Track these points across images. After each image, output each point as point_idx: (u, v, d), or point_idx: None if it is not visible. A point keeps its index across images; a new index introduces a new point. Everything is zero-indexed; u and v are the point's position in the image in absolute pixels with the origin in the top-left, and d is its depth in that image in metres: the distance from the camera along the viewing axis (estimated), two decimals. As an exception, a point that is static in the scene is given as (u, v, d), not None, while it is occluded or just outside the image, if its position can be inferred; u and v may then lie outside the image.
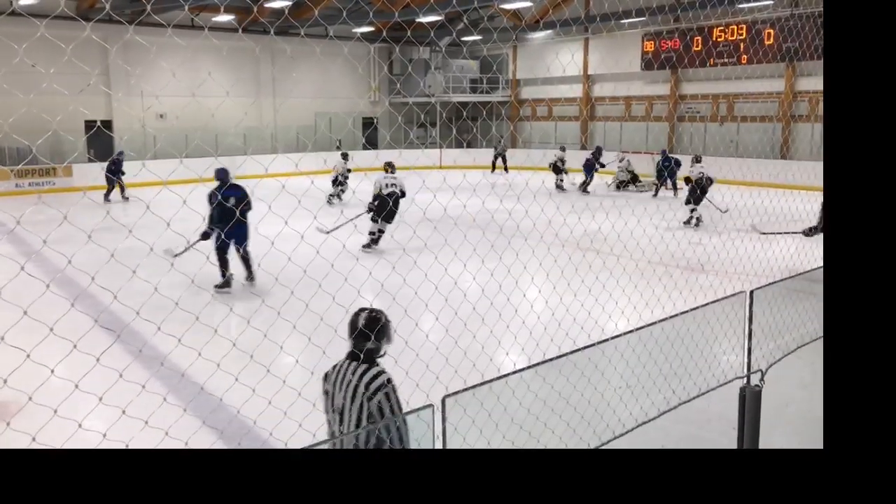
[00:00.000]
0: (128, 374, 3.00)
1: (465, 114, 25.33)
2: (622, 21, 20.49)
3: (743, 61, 20.04)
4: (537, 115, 26.39)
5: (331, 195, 15.50)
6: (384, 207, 10.06)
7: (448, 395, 3.12)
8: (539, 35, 24.81)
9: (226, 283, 8.26)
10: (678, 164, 16.69)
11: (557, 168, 18.61)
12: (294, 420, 3.32)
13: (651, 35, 22.02)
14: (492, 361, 4.94)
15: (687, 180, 13.45)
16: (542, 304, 6.72)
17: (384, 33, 24.17)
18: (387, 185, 10.68)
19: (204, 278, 7.67)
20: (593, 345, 3.05)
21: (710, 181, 13.18)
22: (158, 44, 19.59)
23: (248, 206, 8.19)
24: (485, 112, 26.06)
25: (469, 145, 25.40)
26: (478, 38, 25.69)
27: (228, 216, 7.75)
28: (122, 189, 16.01)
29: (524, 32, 24.50)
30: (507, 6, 21.77)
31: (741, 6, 18.77)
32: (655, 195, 17.52)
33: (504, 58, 26.76)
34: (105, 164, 15.73)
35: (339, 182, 15.72)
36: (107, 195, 15.88)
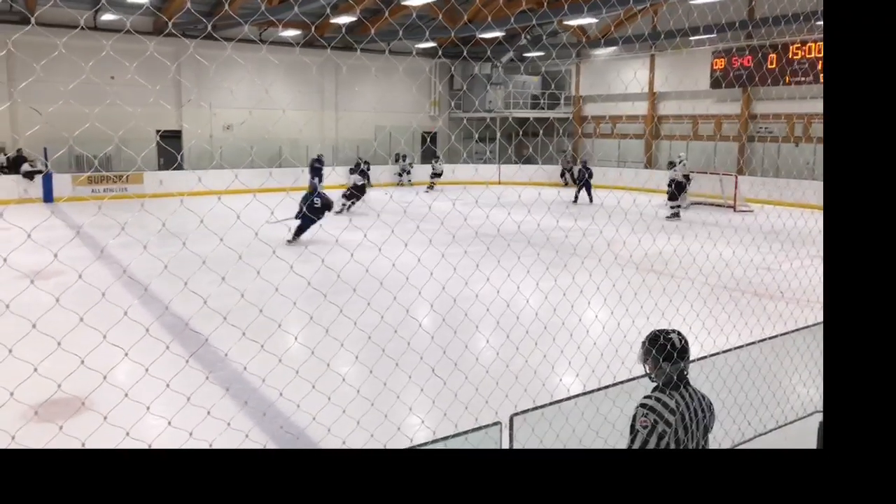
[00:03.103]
0: (189, 370, 2.97)
1: (522, 130, 25.09)
2: (690, 38, 19.92)
3: (822, 80, 19.10)
4: (600, 132, 25.93)
5: (342, 205, 15.95)
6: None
7: (517, 414, 2.97)
8: (603, 51, 24.43)
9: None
10: (591, 174, 19.36)
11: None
12: (352, 417, 3.24)
13: (721, 52, 21.34)
14: (544, 386, 4.74)
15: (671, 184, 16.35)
16: (598, 327, 6.44)
17: (442, 49, 24.29)
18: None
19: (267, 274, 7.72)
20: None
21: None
22: (227, 57, 20.19)
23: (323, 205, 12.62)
24: (543, 129, 25.79)
25: (528, 162, 25.16)
26: (539, 54, 25.50)
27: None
28: None
29: (587, 48, 24.17)
30: (571, 22, 21.53)
31: (820, 23, 17.97)
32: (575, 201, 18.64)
33: (566, 74, 26.45)
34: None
35: (349, 195, 16.34)
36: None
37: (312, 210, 12.07)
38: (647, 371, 2.82)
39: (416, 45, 23.30)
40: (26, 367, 2.67)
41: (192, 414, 3.03)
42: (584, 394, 2.76)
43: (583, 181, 19.49)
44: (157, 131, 20.25)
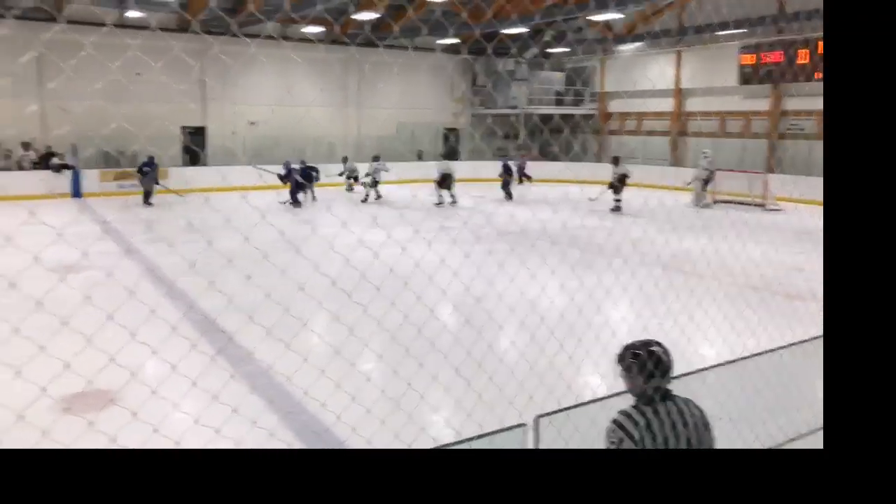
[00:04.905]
0: (214, 366, 2.96)
1: (546, 127, 24.90)
2: (718, 33, 19.57)
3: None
4: (625, 128, 25.64)
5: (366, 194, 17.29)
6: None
7: (542, 415, 2.92)
8: (629, 47, 24.13)
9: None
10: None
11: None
12: (377, 417, 3.22)
13: (750, 48, 20.94)
14: (570, 388, 4.66)
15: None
16: (624, 328, 6.34)
17: (465, 46, 24.20)
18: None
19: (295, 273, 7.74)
20: (683, 375, 2.85)
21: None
22: (251, 54, 20.32)
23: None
24: (568, 125, 25.56)
25: (554, 159, 24.98)
26: (564, 50, 25.27)
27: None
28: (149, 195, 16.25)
29: (613, 44, 23.90)
30: (596, 18, 21.30)
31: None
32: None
33: (591, 70, 26.17)
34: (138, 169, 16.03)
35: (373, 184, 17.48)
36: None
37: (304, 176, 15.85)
38: (626, 387, 2.65)
39: (439, 42, 23.22)
40: (57, 361, 2.68)
41: (219, 411, 3.02)
42: (610, 396, 2.69)
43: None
44: (183, 128, 20.44)
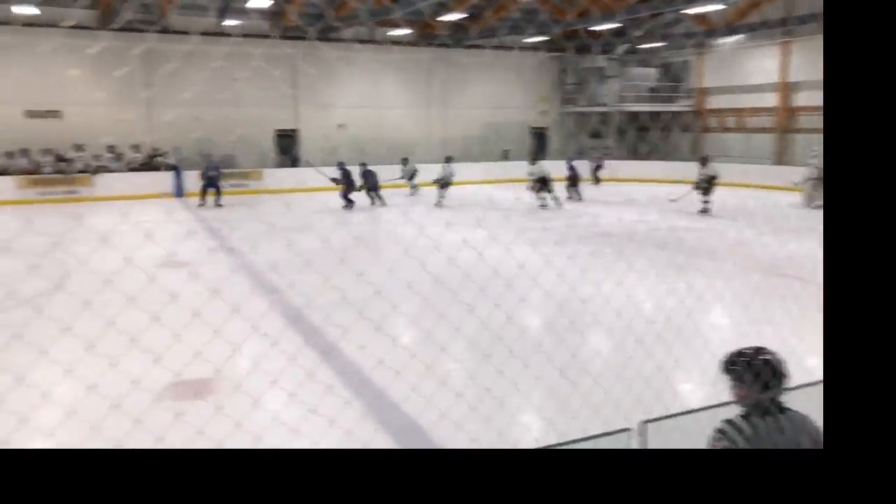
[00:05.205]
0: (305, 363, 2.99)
1: (636, 125, 24.12)
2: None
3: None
4: (725, 125, 24.43)
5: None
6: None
7: (650, 420, 2.80)
8: (730, 40, 22.99)
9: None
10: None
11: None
12: (481, 414, 3.17)
13: (863, 37, 19.49)
14: (676, 395, 4.43)
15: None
16: (720, 335, 5.98)
17: (552, 43, 23.82)
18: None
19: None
20: (802, 386, 2.67)
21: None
22: (339, 57, 20.78)
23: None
24: (661, 123, 24.64)
25: (648, 157, 24.20)
26: (657, 44, 24.41)
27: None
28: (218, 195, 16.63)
29: (712, 38, 22.84)
30: (693, 10, 20.41)
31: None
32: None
33: (686, 64, 25.12)
34: (204, 171, 16.57)
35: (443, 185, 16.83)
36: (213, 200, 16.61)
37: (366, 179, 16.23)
38: (736, 397, 2.44)
39: (526, 40, 22.94)
40: (151, 353, 2.77)
41: (333, 402, 3.04)
42: (719, 406, 2.57)
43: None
44: (276, 130, 21.18)
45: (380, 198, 16.31)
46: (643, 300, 5.59)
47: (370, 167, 16.57)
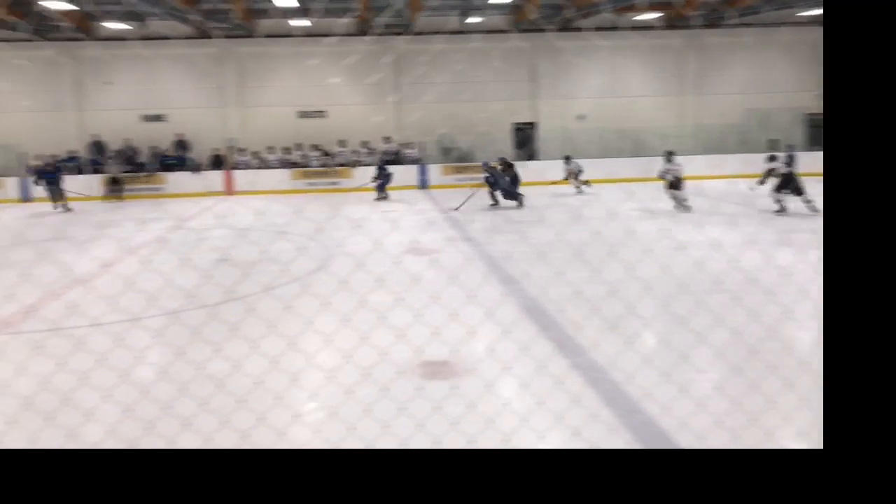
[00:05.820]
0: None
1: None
2: None
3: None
4: None
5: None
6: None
7: None
8: None
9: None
10: None
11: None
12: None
13: None
14: None
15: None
16: None
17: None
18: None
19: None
20: None
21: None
22: (580, 46, 20.42)
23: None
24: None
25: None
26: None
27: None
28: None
29: None
30: None
31: None
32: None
33: None
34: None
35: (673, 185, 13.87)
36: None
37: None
38: None
39: (799, 13, 20.09)
40: (396, 330, 2.84)
41: (561, 398, 2.91)
42: None
43: None
44: (513, 124, 21.51)
45: (515, 198, 15.23)
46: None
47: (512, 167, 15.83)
